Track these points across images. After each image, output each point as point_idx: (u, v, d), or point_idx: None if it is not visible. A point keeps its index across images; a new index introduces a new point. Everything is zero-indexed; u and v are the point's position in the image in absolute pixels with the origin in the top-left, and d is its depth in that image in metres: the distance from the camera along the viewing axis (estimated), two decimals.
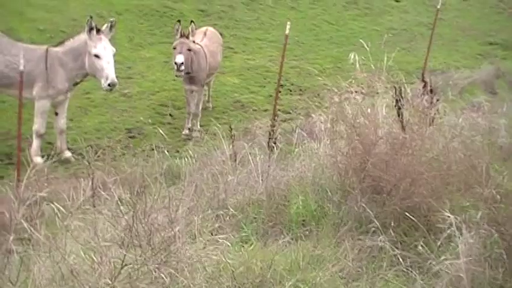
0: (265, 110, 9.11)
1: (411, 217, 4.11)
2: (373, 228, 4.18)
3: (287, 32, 7.24)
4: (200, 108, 8.47)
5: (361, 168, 4.58)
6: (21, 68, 6.13)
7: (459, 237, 3.70)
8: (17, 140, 6.13)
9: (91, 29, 6.78)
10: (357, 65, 5.51)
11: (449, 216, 3.78)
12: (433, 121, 4.93)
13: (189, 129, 8.36)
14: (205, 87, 8.93)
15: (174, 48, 7.89)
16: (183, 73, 7.80)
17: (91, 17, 6.88)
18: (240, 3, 14.15)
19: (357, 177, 4.59)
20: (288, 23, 7.23)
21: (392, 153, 4.57)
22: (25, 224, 3.53)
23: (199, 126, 8.38)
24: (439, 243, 3.85)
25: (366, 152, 4.63)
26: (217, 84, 9.93)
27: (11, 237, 3.46)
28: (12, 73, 6.81)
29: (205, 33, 8.81)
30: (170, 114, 8.75)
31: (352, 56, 5.55)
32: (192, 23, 8.08)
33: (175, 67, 7.74)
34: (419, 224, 4.11)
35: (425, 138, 4.66)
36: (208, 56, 8.36)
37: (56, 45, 7.14)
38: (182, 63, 7.66)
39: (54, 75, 6.95)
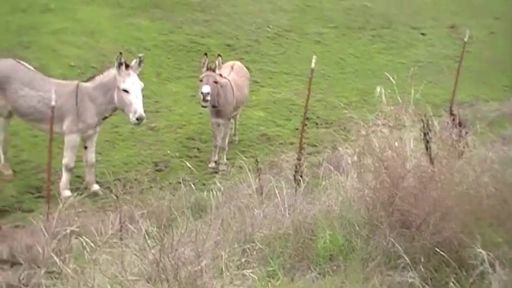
0: (292, 143, 9.19)
1: (442, 253, 4.01)
2: (403, 264, 4.07)
3: (313, 65, 7.33)
4: (227, 141, 8.55)
5: (389, 202, 4.50)
6: (53, 103, 6.24)
7: (492, 274, 3.62)
8: (47, 173, 6.21)
9: (120, 64, 6.89)
10: (383, 98, 5.43)
11: (481, 252, 3.70)
12: (462, 154, 4.81)
13: (215, 162, 8.42)
14: (232, 121, 9.01)
15: (201, 81, 8.02)
16: (209, 103, 7.90)
17: (120, 53, 7.00)
18: (266, 38, 14.32)
19: (385, 211, 4.50)
20: (314, 56, 7.31)
21: (421, 187, 4.45)
22: (55, 258, 3.52)
23: (225, 160, 8.45)
24: (471, 280, 3.77)
25: (393, 185, 4.54)
26: (243, 118, 10.02)
27: (42, 271, 3.46)
28: (44, 108, 6.94)
29: (232, 67, 8.95)
30: (197, 148, 8.91)
31: (379, 89, 5.49)
32: (219, 57, 8.22)
33: (202, 97, 7.88)
34: (450, 259, 4.01)
35: (454, 171, 4.53)
36: (235, 90, 8.47)
37: (87, 81, 7.26)
38: (208, 93, 7.79)
39: (84, 110, 7.05)
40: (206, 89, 7.76)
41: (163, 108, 10.27)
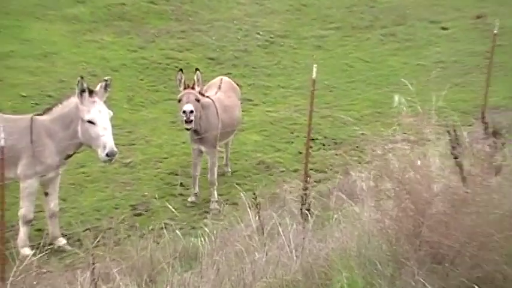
0: (295, 171, 9.22)
1: None
2: None
3: (314, 75, 7.40)
4: (215, 174, 8.59)
5: (416, 234, 4.51)
6: (2, 143, 6.10)
7: None
8: None
9: (82, 91, 6.90)
10: (401, 108, 5.47)
11: None
12: (499, 170, 4.84)
13: (195, 195, 8.56)
14: (221, 149, 9.11)
15: (180, 101, 8.14)
16: (193, 125, 7.96)
17: (82, 77, 7.00)
18: (256, 47, 14.50)
19: (411, 244, 4.51)
20: (315, 65, 7.38)
21: (452, 213, 4.46)
22: None
23: (216, 196, 8.48)
24: None
25: (419, 213, 4.56)
26: (235, 144, 10.08)
27: None
28: None
29: (219, 86, 9.07)
30: (181, 184, 8.82)
31: (397, 99, 5.52)
32: (197, 71, 8.31)
33: (184, 117, 7.98)
34: None
35: (491, 191, 4.55)
36: (220, 112, 8.54)
37: (43, 113, 7.22)
38: (192, 111, 7.92)
39: (42, 149, 7.02)
40: (188, 107, 7.91)
41: (138, 139, 10.34)
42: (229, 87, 9.32)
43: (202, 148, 8.47)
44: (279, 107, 11.91)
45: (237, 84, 9.91)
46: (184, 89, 8.15)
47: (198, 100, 8.11)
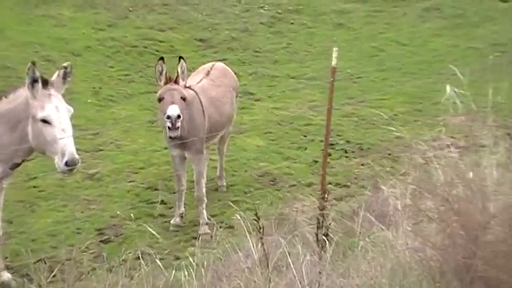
0: (309, 185, 9.20)
1: None
2: None
3: (334, 62, 7.34)
4: (204, 188, 8.52)
5: (466, 267, 4.50)
6: None
7: None
8: None
9: (34, 81, 6.87)
10: (450, 104, 5.43)
11: None
12: None
13: (180, 216, 8.57)
14: (207, 155, 9.03)
15: (161, 100, 8.10)
16: (179, 132, 7.95)
17: (33, 63, 6.94)
18: (259, 25, 14.51)
19: (460, 281, 4.48)
20: (335, 49, 7.34)
21: None
22: None
23: (206, 217, 8.43)
24: None
25: (471, 240, 4.54)
26: (232, 150, 10.02)
27: None
28: None
29: (208, 72, 9.11)
30: (162, 202, 8.75)
31: (449, 90, 5.46)
32: (182, 61, 8.22)
33: (168, 124, 7.89)
34: None
35: None
36: (206, 105, 8.54)
37: None
38: (179, 116, 7.85)
39: None
40: (174, 110, 7.85)
41: (107, 144, 10.30)
42: (221, 73, 9.35)
43: (186, 154, 8.49)
44: (289, 102, 11.83)
45: (234, 73, 9.88)
46: (166, 83, 8.13)
47: (184, 99, 8.10)
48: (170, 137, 8.08)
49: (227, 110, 9.11)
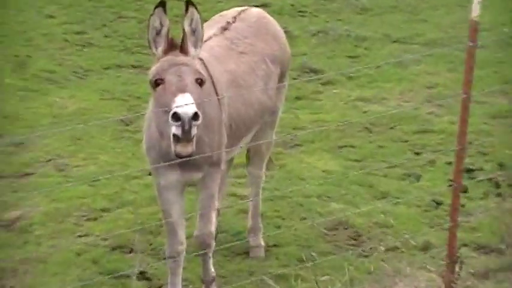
0: (425, 247, 7.24)
1: None
2: None
3: (475, 13, 6.17)
4: (213, 225, 6.73)
5: None
6: None
7: None
8: None
9: None
10: None
11: None
12: None
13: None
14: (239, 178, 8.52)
15: (158, 83, 6.22)
16: (194, 147, 6.16)
17: None
18: None
19: None
20: None
21: None
22: None
23: (213, 270, 6.79)
24: None
25: None
26: (279, 179, 8.35)
27: None
28: None
29: (227, 24, 7.33)
30: (141, 274, 6.85)
31: None
32: (192, 8, 6.35)
33: (177, 130, 6.07)
34: None
35: None
36: (219, 86, 6.88)
37: None
38: (196, 114, 6.08)
39: None
40: (186, 103, 6.05)
41: (40, 163, 8.39)
42: (254, 28, 7.44)
43: (195, 176, 6.69)
44: (387, 89, 9.94)
45: (284, 30, 7.86)
46: (166, 52, 6.26)
47: (201, 82, 6.28)
48: (179, 155, 6.19)
49: (259, 98, 7.26)
